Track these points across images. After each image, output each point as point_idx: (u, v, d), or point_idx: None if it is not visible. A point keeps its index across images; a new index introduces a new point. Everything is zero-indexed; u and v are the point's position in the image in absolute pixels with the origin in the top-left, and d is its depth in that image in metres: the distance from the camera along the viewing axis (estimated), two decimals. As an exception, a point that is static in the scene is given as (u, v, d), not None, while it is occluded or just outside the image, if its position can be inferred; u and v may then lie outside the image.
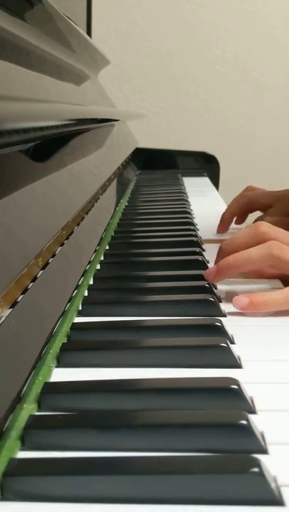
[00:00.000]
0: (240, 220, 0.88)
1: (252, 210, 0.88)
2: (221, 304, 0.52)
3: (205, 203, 0.97)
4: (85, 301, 0.52)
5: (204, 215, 0.95)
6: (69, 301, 0.50)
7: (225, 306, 0.51)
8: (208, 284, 0.54)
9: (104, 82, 1.50)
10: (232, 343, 0.44)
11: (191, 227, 0.81)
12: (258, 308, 0.50)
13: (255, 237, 0.56)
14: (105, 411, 0.34)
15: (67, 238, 0.57)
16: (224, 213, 0.86)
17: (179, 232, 0.78)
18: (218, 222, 0.86)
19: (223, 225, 0.86)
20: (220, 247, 0.59)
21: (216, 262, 0.58)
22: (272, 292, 0.51)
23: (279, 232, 0.56)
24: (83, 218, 0.67)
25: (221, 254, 0.58)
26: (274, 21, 2.08)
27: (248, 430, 0.31)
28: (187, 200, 1.07)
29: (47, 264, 0.48)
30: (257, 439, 0.31)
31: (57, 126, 0.59)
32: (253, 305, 0.50)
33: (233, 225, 0.87)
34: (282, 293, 0.51)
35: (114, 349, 0.41)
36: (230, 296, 0.54)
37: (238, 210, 0.87)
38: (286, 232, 0.56)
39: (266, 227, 0.56)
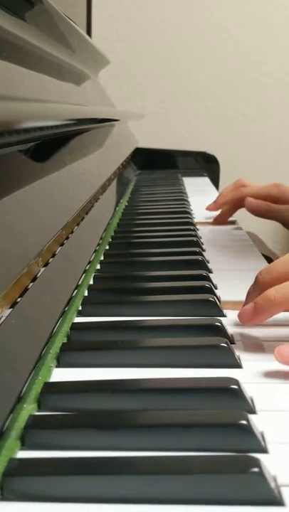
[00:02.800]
0: (231, 212, 0.93)
1: (242, 207, 0.92)
2: (220, 304, 0.52)
3: (205, 203, 0.97)
4: (85, 301, 0.52)
5: (204, 216, 0.95)
6: (69, 301, 0.50)
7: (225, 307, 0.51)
8: (208, 284, 0.54)
9: (104, 82, 1.50)
10: (232, 343, 0.44)
11: (191, 227, 0.81)
12: (266, 312, 0.44)
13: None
14: (105, 411, 0.34)
15: (67, 238, 0.57)
16: (218, 199, 0.94)
17: (179, 232, 0.78)
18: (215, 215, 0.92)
19: (216, 206, 0.94)
20: (256, 278, 0.48)
21: (251, 296, 0.48)
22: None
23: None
24: (83, 218, 0.67)
25: (258, 287, 0.47)
26: (274, 21, 2.08)
27: (248, 430, 0.31)
28: (187, 200, 1.07)
29: (47, 264, 0.48)
30: (257, 439, 0.31)
31: (57, 126, 0.59)
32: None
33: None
34: None
35: (114, 349, 0.41)
36: (230, 296, 0.54)
37: (232, 203, 0.92)
38: None
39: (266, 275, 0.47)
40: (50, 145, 0.66)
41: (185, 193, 1.16)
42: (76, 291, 0.54)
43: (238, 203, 0.91)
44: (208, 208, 0.95)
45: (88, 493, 0.27)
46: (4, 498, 0.27)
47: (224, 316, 0.50)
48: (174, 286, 0.55)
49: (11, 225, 0.43)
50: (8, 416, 0.32)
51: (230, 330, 0.46)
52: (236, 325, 0.47)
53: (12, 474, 0.28)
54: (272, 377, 0.39)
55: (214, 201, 0.95)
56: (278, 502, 0.27)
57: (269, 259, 0.74)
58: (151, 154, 1.61)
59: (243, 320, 0.46)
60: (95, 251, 0.67)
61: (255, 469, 0.27)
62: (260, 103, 2.14)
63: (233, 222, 0.92)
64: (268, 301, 0.44)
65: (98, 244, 0.70)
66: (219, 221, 0.91)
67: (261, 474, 0.27)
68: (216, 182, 1.49)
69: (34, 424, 0.32)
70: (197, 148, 1.63)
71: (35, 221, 0.49)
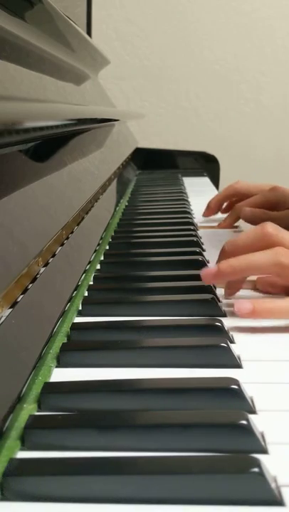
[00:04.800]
0: (227, 209, 0.93)
1: (237, 202, 0.91)
2: (220, 303, 0.52)
3: (205, 203, 0.97)
4: (85, 301, 0.52)
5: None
6: (69, 301, 0.50)
7: (225, 306, 0.51)
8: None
9: (105, 82, 1.50)
10: (232, 343, 0.44)
11: (191, 227, 0.81)
12: (261, 315, 0.47)
13: (261, 239, 0.52)
14: (105, 411, 0.34)
15: (67, 238, 0.57)
16: (210, 201, 0.93)
17: (179, 232, 0.78)
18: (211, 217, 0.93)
19: (209, 211, 0.94)
20: (222, 247, 0.55)
21: (218, 262, 0.54)
22: (278, 299, 0.48)
23: (285, 233, 0.52)
24: (83, 218, 0.67)
25: (223, 255, 0.54)
26: (274, 21, 2.08)
27: (248, 430, 0.31)
28: (187, 200, 1.07)
29: (47, 264, 0.48)
30: (257, 439, 0.31)
31: (57, 126, 0.59)
32: (257, 312, 0.47)
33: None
34: (288, 301, 0.48)
35: (114, 349, 0.41)
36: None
37: (224, 199, 0.93)
38: None
39: (272, 229, 0.53)
40: (50, 145, 0.66)
41: (185, 193, 1.16)
42: (76, 291, 0.54)
43: (231, 199, 0.92)
44: (204, 215, 0.95)
45: (88, 493, 0.27)
46: (4, 498, 0.27)
47: (224, 316, 0.50)
48: (174, 286, 0.55)
49: (11, 224, 0.43)
50: (8, 416, 0.32)
51: (230, 330, 0.46)
52: (236, 325, 0.47)
53: (12, 474, 0.28)
54: (272, 377, 0.39)
55: (207, 206, 0.95)
56: (278, 502, 0.27)
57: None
58: (151, 154, 1.61)
59: (205, 279, 0.52)
60: (95, 251, 0.67)
61: (255, 469, 0.27)
62: (260, 103, 2.14)
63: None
64: (228, 266, 0.51)
65: (98, 244, 0.70)
66: (224, 226, 0.89)
67: (261, 474, 0.27)
68: (216, 182, 1.49)
69: (34, 424, 0.32)
70: (197, 148, 1.63)
71: (35, 221, 0.49)
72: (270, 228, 0.53)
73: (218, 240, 0.81)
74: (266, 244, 0.52)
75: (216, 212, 0.94)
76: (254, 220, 0.81)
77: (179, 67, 2.10)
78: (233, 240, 0.55)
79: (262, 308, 0.47)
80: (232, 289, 0.54)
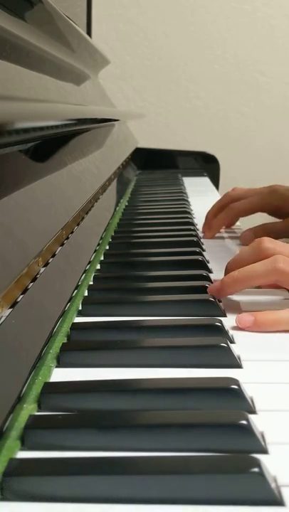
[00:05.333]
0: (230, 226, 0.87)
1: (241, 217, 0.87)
2: (220, 304, 0.52)
3: (205, 203, 0.97)
4: (85, 301, 0.52)
5: (204, 215, 0.95)
6: (69, 301, 0.50)
7: (225, 307, 0.51)
8: (208, 283, 0.54)
9: (104, 82, 1.50)
10: (232, 343, 0.44)
11: (191, 227, 0.81)
12: (263, 327, 0.47)
13: (259, 253, 0.54)
14: (105, 411, 0.34)
15: (67, 238, 0.57)
16: (208, 213, 0.85)
17: (179, 232, 0.78)
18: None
19: (207, 224, 0.84)
20: (225, 267, 0.58)
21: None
22: (280, 311, 0.48)
23: (282, 246, 0.54)
24: (83, 218, 0.67)
25: (226, 272, 0.56)
26: (274, 21, 2.08)
27: (248, 430, 0.31)
28: (187, 200, 1.07)
29: (47, 264, 0.48)
30: (257, 439, 0.31)
31: (57, 126, 0.59)
32: (258, 325, 0.47)
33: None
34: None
35: (114, 349, 0.41)
36: (230, 296, 0.54)
37: (220, 210, 0.85)
38: None
39: (268, 243, 0.54)
40: (50, 145, 0.66)
41: (185, 193, 1.16)
42: (76, 291, 0.54)
43: (235, 221, 0.86)
44: (206, 236, 0.84)
45: (88, 493, 0.27)
46: (4, 498, 0.27)
47: (224, 316, 0.50)
48: (174, 286, 0.55)
49: (11, 224, 0.43)
50: (8, 416, 0.32)
51: (230, 330, 0.46)
52: (236, 325, 0.47)
53: (12, 474, 0.28)
54: (273, 377, 0.39)
55: (207, 223, 0.85)
56: (278, 502, 0.27)
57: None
58: (151, 154, 1.61)
59: (212, 293, 0.53)
60: (95, 251, 0.67)
61: (255, 469, 0.27)
62: (260, 103, 2.14)
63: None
64: (231, 279, 0.53)
65: (98, 244, 0.70)
66: (210, 236, 0.83)
67: (261, 474, 0.27)
68: (216, 182, 1.49)
69: (34, 424, 0.32)
70: (197, 148, 1.63)
71: (35, 221, 0.49)
72: (267, 243, 0.54)
73: (218, 240, 0.81)
74: (265, 257, 0.53)
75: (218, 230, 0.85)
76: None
77: (179, 67, 2.11)
78: (233, 258, 0.57)
79: (264, 319, 0.48)
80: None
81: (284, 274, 0.51)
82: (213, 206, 0.87)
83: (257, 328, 0.47)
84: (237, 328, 0.47)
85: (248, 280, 0.52)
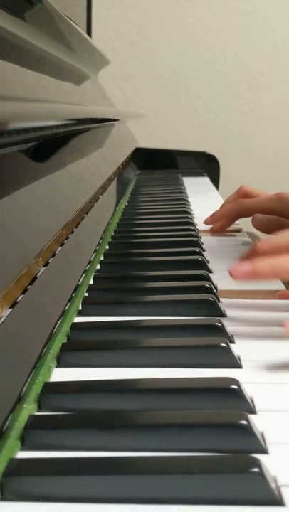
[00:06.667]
0: (230, 223, 0.86)
1: (243, 217, 0.87)
2: (220, 304, 0.52)
3: (205, 203, 0.97)
4: (85, 301, 0.52)
5: (204, 215, 0.95)
6: (69, 301, 0.50)
7: (225, 306, 0.51)
8: (208, 284, 0.54)
9: (104, 82, 1.50)
10: (232, 343, 0.44)
11: (191, 227, 0.81)
12: (262, 275, 0.46)
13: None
14: (105, 411, 0.34)
15: (67, 238, 0.57)
16: (217, 213, 0.85)
17: (179, 232, 0.78)
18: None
19: (212, 220, 0.85)
20: (255, 246, 0.54)
21: (246, 257, 0.52)
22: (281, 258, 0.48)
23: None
24: (83, 218, 0.67)
25: (256, 254, 0.52)
26: (274, 21, 2.08)
27: (248, 430, 0.31)
28: (187, 200, 1.07)
29: (47, 263, 0.48)
30: (257, 439, 0.31)
31: (57, 126, 0.59)
32: (258, 272, 0.46)
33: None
34: None
35: (114, 349, 0.41)
36: (230, 297, 0.54)
37: (230, 216, 0.84)
38: None
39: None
40: (50, 145, 0.66)
41: (185, 193, 1.16)
42: (76, 291, 0.54)
43: (236, 216, 0.85)
44: (206, 222, 0.86)
45: (88, 493, 0.27)
46: (4, 498, 0.27)
47: (224, 316, 0.50)
48: (174, 286, 0.55)
49: (11, 224, 0.43)
50: (8, 416, 0.32)
51: (230, 330, 0.46)
52: (236, 325, 0.48)
53: (12, 474, 0.28)
54: (272, 377, 0.39)
55: (212, 214, 0.86)
56: (278, 502, 0.27)
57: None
58: (151, 154, 1.61)
59: (237, 275, 0.48)
60: (95, 251, 0.67)
61: (255, 469, 0.27)
62: (260, 103, 2.14)
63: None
64: (266, 266, 0.47)
65: (98, 244, 0.70)
66: (216, 230, 0.84)
67: (261, 474, 0.27)
68: (216, 182, 1.49)
69: (34, 424, 0.32)
70: (197, 148, 1.63)
71: (35, 221, 0.49)
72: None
73: (218, 240, 0.81)
74: None
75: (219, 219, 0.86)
76: (267, 228, 0.77)
77: (179, 67, 2.11)
78: (268, 240, 0.53)
79: (263, 264, 0.46)
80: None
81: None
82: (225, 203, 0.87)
83: (256, 276, 0.46)
84: (237, 328, 0.47)
85: (282, 274, 0.50)
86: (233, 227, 0.86)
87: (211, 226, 0.86)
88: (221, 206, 0.87)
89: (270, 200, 0.79)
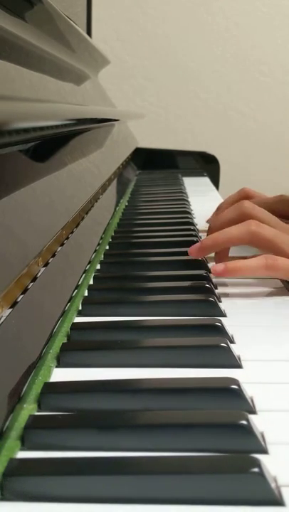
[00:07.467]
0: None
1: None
2: (220, 304, 0.52)
3: (205, 203, 0.97)
4: (85, 301, 0.52)
5: (204, 215, 0.95)
6: (69, 301, 0.50)
7: (225, 306, 0.51)
8: (208, 284, 0.54)
9: (104, 82, 1.50)
10: (232, 343, 0.44)
11: (191, 227, 0.81)
12: (232, 273, 0.54)
13: (239, 214, 0.61)
14: (105, 411, 0.34)
15: (67, 238, 0.57)
16: (218, 211, 0.84)
17: (179, 232, 0.78)
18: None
19: (214, 228, 0.85)
20: (209, 225, 0.66)
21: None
22: (247, 260, 0.55)
23: (261, 211, 0.61)
24: (83, 218, 0.67)
25: (209, 232, 0.64)
26: (274, 21, 2.08)
27: (248, 430, 0.31)
28: (187, 200, 1.07)
29: (47, 263, 0.48)
30: (257, 439, 0.31)
31: (57, 126, 0.59)
32: (228, 271, 0.54)
33: None
34: (255, 259, 0.55)
35: (114, 349, 0.41)
36: (230, 297, 0.55)
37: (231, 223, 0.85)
38: (267, 212, 0.62)
39: (249, 204, 0.62)
40: (50, 145, 0.66)
41: (185, 193, 1.16)
42: (76, 291, 0.54)
43: (239, 220, 0.86)
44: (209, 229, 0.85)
45: (88, 493, 0.27)
46: (4, 498, 0.27)
47: (224, 316, 0.50)
48: (174, 286, 0.55)
49: (11, 224, 0.43)
50: (8, 416, 0.32)
51: (230, 330, 0.46)
52: (236, 325, 0.48)
53: (12, 474, 0.28)
54: (272, 377, 0.39)
55: (216, 212, 0.84)
56: (278, 502, 0.27)
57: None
58: (151, 154, 1.61)
59: (192, 254, 0.60)
60: (95, 251, 0.67)
61: (255, 469, 0.27)
62: (260, 103, 2.14)
63: None
64: (210, 240, 0.60)
65: (98, 244, 0.70)
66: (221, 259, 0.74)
67: (261, 474, 0.27)
68: (216, 182, 1.49)
69: (34, 424, 0.32)
70: (197, 148, 1.63)
71: (35, 221, 0.49)
72: (247, 204, 0.62)
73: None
74: (244, 218, 0.60)
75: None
76: None
77: (179, 67, 2.11)
78: (215, 217, 0.66)
79: (232, 267, 0.55)
80: (220, 259, 0.62)
81: (256, 235, 0.57)
82: (226, 202, 0.87)
83: (227, 273, 0.55)
84: (237, 328, 0.47)
85: (225, 242, 0.59)
86: None
87: (209, 225, 0.85)
88: (219, 207, 0.86)
89: (273, 202, 0.80)
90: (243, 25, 2.09)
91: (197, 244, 0.60)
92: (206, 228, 0.86)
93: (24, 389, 0.35)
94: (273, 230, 0.58)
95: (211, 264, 0.64)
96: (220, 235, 0.59)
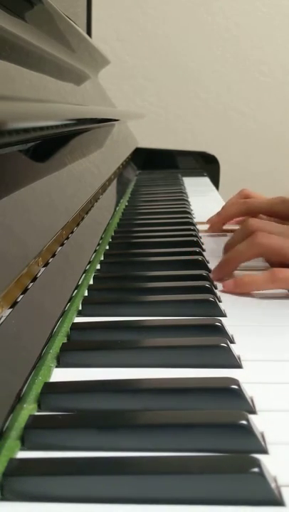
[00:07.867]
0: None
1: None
2: (220, 304, 0.52)
3: (205, 203, 0.97)
4: (85, 301, 0.52)
5: (204, 215, 0.95)
6: (69, 301, 0.50)
7: (225, 306, 0.51)
8: (208, 284, 0.54)
9: (104, 82, 1.50)
10: (232, 343, 0.44)
11: (191, 227, 0.81)
12: (241, 289, 0.55)
13: (245, 233, 0.60)
14: (105, 411, 0.34)
15: (67, 238, 0.57)
16: (220, 214, 0.85)
17: (179, 232, 0.78)
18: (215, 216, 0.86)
19: (219, 219, 0.85)
20: (224, 247, 0.66)
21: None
22: (255, 275, 0.55)
23: (266, 223, 0.61)
24: (83, 218, 0.67)
25: (224, 252, 0.65)
26: (274, 21, 2.08)
27: (248, 430, 0.31)
28: (187, 200, 1.07)
29: (47, 263, 0.48)
30: (257, 439, 0.31)
31: (57, 126, 0.59)
32: (238, 286, 0.55)
33: None
34: (263, 274, 0.55)
35: (114, 349, 0.41)
36: (230, 297, 0.55)
37: (238, 216, 0.84)
38: (274, 223, 0.61)
39: (253, 221, 0.61)
40: (50, 145, 0.66)
41: (185, 193, 1.16)
42: (76, 291, 0.54)
43: (244, 216, 0.83)
44: (211, 221, 0.86)
45: (88, 493, 0.27)
46: (4, 498, 0.27)
47: (224, 316, 0.50)
48: (174, 286, 0.55)
49: (11, 225, 0.43)
50: (8, 416, 0.32)
51: (230, 330, 0.46)
52: (236, 325, 0.48)
53: (12, 474, 0.28)
54: (272, 377, 0.39)
55: (218, 213, 0.86)
56: (278, 502, 0.27)
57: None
58: (151, 154, 1.61)
59: (213, 278, 0.59)
60: (95, 251, 0.67)
61: (255, 469, 0.27)
62: (260, 103, 2.14)
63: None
64: (224, 262, 0.60)
65: (98, 244, 0.70)
66: (215, 229, 0.85)
67: (261, 474, 0.27)
68: (216, 182, 1.49)
69: (34, 424, 0.32)
70: (197, 148, 1.63)
71: (35, 221, 0.49)
72: (252, 220, 0.61)
73: (218, 240, 0.81)
74: (250, 234, 0.59)
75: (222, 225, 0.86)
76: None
77: (179, 67, 2.11)
78: (228, 240, 0.65)
79: (241, 282, 0.55)
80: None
81: (263, 247, 0.58)
82: (228, 203, 0.87)
83: (237, 289, 0.55)
84: (237, 328, 0.47)
85: (235, 261, 0.59)
86: (233, 227, 0.86)
87: (209, 226, 0.86)
88: (223, 207, 0.87)
89: (275, 203, 0.80)
90: (243, 25, 2.09)
91: (215, 270, 0.60)
92: (206, 228, 0.86)
93: (24, 389, 0.35)
94: (281, 239, 0.58)
95: (210, 265, 0.64)
96: (231, 255, 0.60)
